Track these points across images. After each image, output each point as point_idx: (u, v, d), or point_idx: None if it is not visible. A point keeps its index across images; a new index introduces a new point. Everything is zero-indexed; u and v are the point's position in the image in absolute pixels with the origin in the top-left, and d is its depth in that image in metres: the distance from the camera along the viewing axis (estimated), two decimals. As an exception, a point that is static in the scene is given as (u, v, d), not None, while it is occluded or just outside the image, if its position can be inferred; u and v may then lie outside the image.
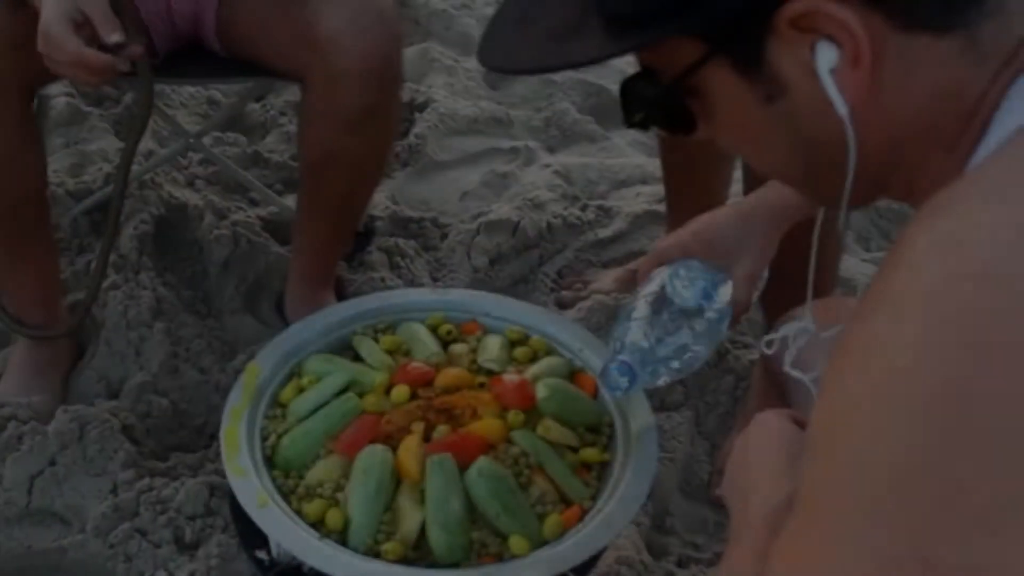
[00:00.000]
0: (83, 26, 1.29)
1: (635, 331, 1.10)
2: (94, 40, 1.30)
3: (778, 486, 0.80)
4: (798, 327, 1.05)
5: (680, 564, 1.60)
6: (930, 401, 0.58)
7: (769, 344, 1.12)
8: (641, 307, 1.12)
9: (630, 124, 0.81)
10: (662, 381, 1.14)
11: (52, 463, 1.57)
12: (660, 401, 1.77)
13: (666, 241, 1.24)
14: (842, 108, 0.69)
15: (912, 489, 0.57)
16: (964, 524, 0.55)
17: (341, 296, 1.85)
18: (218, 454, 1.62)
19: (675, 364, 1.12)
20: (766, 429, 0.89)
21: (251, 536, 1.17)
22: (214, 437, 1.68)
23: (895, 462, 0.58)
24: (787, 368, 1.05)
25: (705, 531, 1.67)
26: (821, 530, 0.59)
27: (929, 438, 0.57)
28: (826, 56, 0.68)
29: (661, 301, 1.12)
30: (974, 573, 0.55)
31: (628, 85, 0.79)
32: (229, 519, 1.51)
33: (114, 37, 1.30)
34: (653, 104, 0.78)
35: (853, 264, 2.14)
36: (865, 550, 0.57)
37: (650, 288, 1.14)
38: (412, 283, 1.98)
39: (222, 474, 1.55)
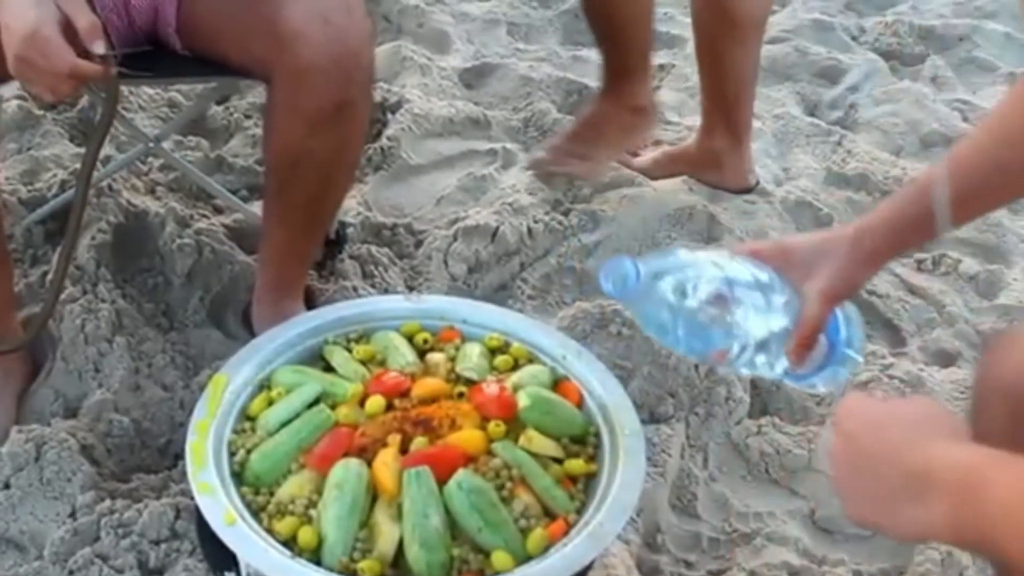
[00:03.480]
0: (66, 31, 1.29)
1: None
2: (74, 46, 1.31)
3: None
4: None
5: (673, 584, 1.62)
6: None
7: None
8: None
9: None
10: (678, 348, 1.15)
11: (6, 486, 1.57)
12: (649, 413, 1.79)
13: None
14: None
15: None
16: None
17: (311, 307, 1.84)
18: (183, 474, 1.63)
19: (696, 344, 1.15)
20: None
21: (219, 557, 1.18)
22: (178, 457, 1.68)
23: None
24: None
25: (698, 548, 1.68)
26: None
27: None
28: None
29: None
30: None
31: None
32: (196, 542, 1.52)
33: (100, 47, 1.31)
34: None
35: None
36: None
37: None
38: (386, 292, 1.98)
39: (187, 495, 1.57)
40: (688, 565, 1.66)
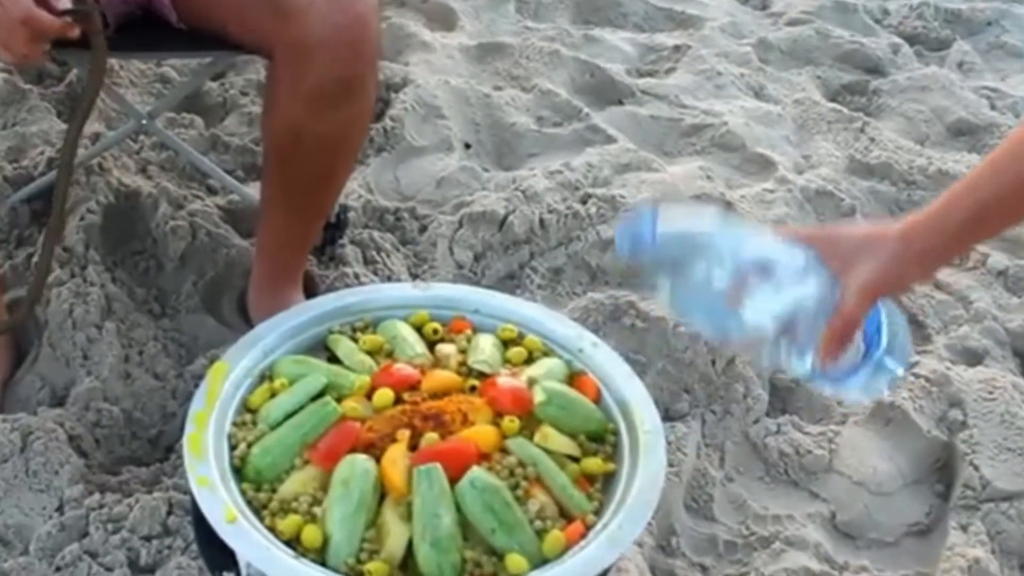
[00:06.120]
0: None
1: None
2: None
3: None
4: None
5: (687, 589, 1.61)
6: None
7: None
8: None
9: None
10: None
11: (-9, 478, 1.55)
12: (664, 410, 1.77)
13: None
14: None
15: None
16: None
17: (310, 294, 1.85)
18: (175, 467, 1.63)
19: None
20: None
21: (217, 556, 1.16)
22: (170, 449, 1.68)
23: None
24: None
25: (714, 552, 1.67)
26: None
27: None
28: None
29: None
30: None
31: None
32: (189, 539, 1.51)
33: (63, 1, 1.28)
34: None
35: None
36: None
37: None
38: (389, 279, 1.97)
39: (180, 489, 1.56)
40: (704, 570, 1.65)
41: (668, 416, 1.78)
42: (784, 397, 1.90)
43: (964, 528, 1.69)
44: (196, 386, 1.72)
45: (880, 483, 1.77)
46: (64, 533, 1.51)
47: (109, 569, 1.49)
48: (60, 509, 1.54)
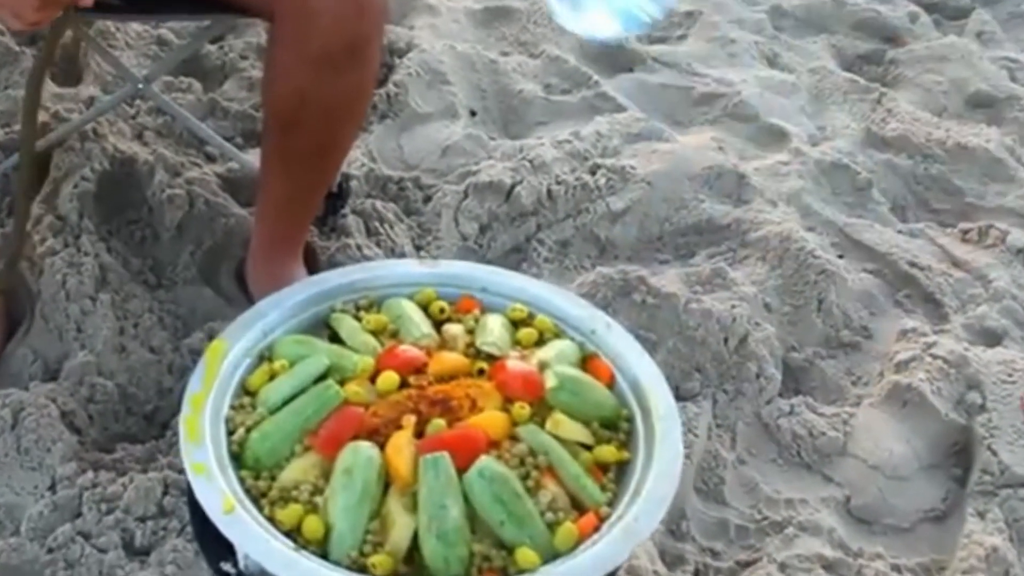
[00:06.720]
0: None
1: None
2: None
3: None
4: None
5: (697, 574, 1.57)
6: None
7: None
8: None
9: None
10: None
11: (-20, 455, 1.52)
12: (675, 390, 1.73)
13: None
14: None
15: None
16: None
17: (310, 266, 1.81)
18: (171, 445, 1.60)
19: None
20: None
21: (214, 545, 1.12)
22: (166, 426, 1.65)
23: None
24: None
25: (725, 536, 1.64)
26: None
27: None
28: None
29: None
30: None
31: None
32: (185, 520, 1.48)
33: None
34: None
35: (889, 236, 2.11)
36: None
37: None
38: (392, 251, 1.94)
39: (175, 468, 1.53)
40: (714, 555, 1.62)
41: (679, 396, 1.74)
42: (798, 377, 1.87)
43: (981, 515, 1.65)
44: (193, 360, 1.72)
45: (896, 467, 1.73)
46: (56, 513, 1.48)
47: (103, 551, 1.45)
48: (52, 488, 1.51)
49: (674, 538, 1.61)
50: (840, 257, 2.05)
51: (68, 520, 1.47)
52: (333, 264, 1.86)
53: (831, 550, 1.60)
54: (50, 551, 1.44)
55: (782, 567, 1.57)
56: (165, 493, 1.50)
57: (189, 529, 1.46)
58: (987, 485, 1.68)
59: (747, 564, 1.59)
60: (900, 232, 2.15)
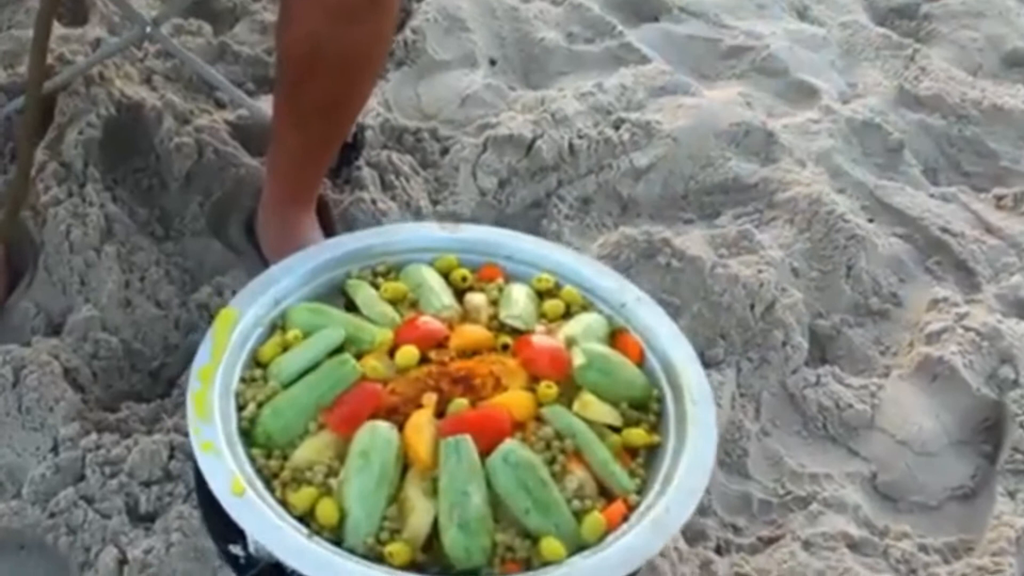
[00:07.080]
0: None
1: None
2: None
3: None
4: None
5: (719, 551, 1.53)
6: None
7: None
8: None
9: None
10: None
11: (-20, 415, 1.48)
12: (698, 356, 1.67)
13: None
14: None
15: None
16: None
17: (323, 219, 1.76)
18: (177, 405, 1.55)
19: None
20: None
21: (223, 527, 1.06)
22: (172, 384, 1.61)
23: None
24: None
25: (748, 511, 1.59)
26: None
27: None
28: None
29: None
30: None
31: None
32: (191, 486, 1.43)
33: None
34: None
35: (920, 200, 2.04)
36: None
37: None
38: (408, 205, 1.87)
39: (181, 430, 1.49)
40: (736, 530, 1.57)
41: (703, 363, 1.67)
42: (824, 346, 1.81)
43: (1012, 495, 1.60)
44: (200, 316, 1.67)
45: (924, 442, 1.67)
46: (58, 476, 1.44)
47: (106, 516, 1.41)
48: (55, 449, 1.47)
49: (696, 513, 1.55)
50: (870, 221, 1.98)
51: (71, 483, 1.43)
52: (346, 218, 1.80)
53: (856, 528, 1.56)
54: (52, 515, 1.40)
55: (806, 545, 1.53)
56: (171, 457, 1.46)
57: (195, 495, 1.41)
58: (1018, 463, 1.63)
59: (770, 541, 1.55)
60: (932, 196, 2.08)
